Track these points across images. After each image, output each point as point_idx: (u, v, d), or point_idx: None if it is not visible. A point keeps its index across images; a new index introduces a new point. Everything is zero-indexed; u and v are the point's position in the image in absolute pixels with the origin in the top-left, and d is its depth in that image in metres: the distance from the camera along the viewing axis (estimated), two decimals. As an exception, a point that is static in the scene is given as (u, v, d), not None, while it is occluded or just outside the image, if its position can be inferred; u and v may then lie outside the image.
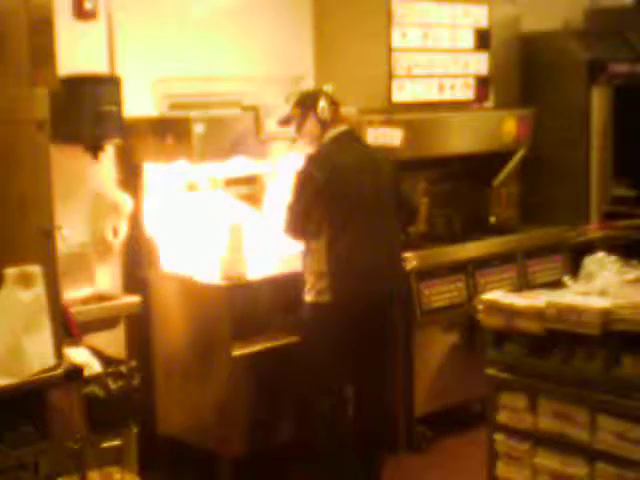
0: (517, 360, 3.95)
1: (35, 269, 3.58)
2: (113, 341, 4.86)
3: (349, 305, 4.52)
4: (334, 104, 4.73)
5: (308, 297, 4.57)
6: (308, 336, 4.65)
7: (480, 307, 4.06)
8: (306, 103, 4.72)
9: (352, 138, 4.76)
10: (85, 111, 4.67)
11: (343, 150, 4.65)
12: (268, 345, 4.79)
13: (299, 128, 4.75)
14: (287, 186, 4.77)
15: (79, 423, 3.63)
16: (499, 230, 6.09)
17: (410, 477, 5.15)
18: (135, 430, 3.97)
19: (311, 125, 4.69)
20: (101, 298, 4.83)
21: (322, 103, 4.67)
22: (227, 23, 5.54)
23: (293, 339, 4.81)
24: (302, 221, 4.56)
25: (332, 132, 4.67)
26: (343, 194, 4.53)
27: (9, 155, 3.75)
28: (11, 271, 3.52)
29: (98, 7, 4.95)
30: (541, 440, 3.87)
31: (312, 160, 4.59)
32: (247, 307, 4.75)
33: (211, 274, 4.81)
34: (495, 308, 3.99)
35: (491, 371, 4.02)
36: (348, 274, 4.51)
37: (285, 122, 4.84)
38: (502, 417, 3.99)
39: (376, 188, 4.63)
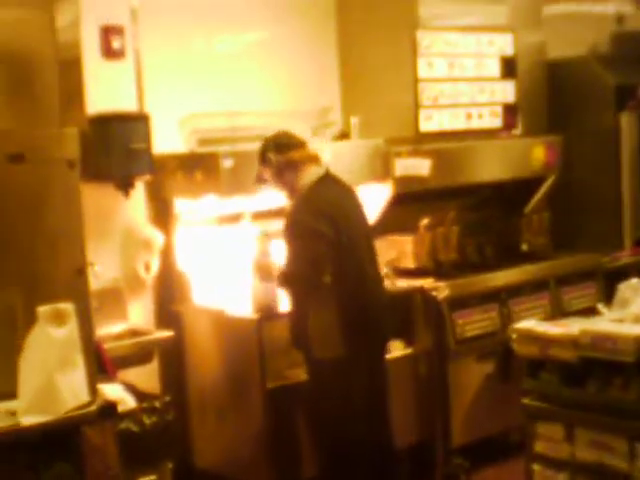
0: (552, 389, 3.89)
1: (68, 306, 3.58)
2: (147, 376, 4.87)
3: (367, 346, 4.48)
4: (297, 145, 4.54)
5: (318, 353, 4.41)
6: (326, 394, 4.46)
7: (514, 336, 4.02)
8: (276, 149, 4.51)
9: (329, 177, 4.54)
10: (115, 149, 4.71)
11: (330, 192, 4.49)
12: (302, 378, 4.75)
13: (274, 176, 4.53)
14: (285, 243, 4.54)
15: (114, 459, 3.62)
16: (531, 257, 6.04)
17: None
18: (170, 465, 3.95)
19: (285, 172, 4.48)
20: (134, 333, 4.85)
21: (269, 154, 4.50)
22: (252, 57, 5.60)
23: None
24: (314, 275, 4.36)
25: (309, 175, 4.47)
26: (346, 238, 4.44)
27: (41, 194, 3.78)
28: (44, 309, 3.53)
29: (126, 46, 5.00)
30: (579, 470, 3.81)
31: (308, 211, 4.39)
32: (280, 340, 4.73)
33: (243, 307, 4.81)
34: (529, 337, 3.94)
35: (527, 401, 3.97)
36: (359, 313, 4.43)
37: (261, 181, 4.61)
38: (539, 447, 3.93)
39: (362, 220, 4.63)
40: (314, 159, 4.54)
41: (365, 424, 4.52)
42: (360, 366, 4.46)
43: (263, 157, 4.54)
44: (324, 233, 4.34)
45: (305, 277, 4.40)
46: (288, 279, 4.48)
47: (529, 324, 4.05)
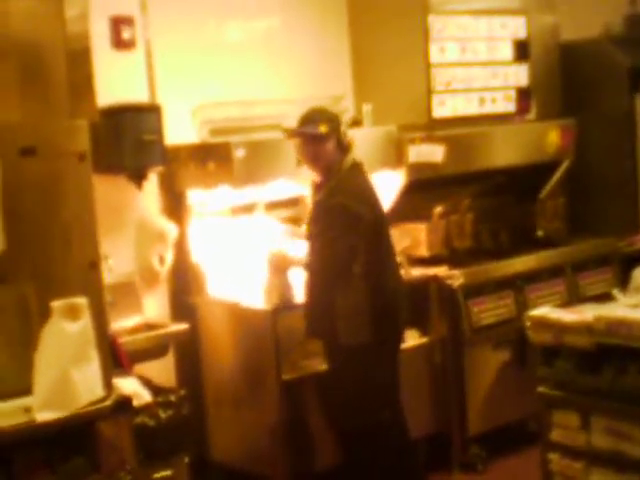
0: (568, 377, 3.87)
1: (81, 301, 3.58)
2: (163, 369, 4.88)
3: (392, 332, 4.48)
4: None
5: (344, 339, 4.37)
6: (348, 382, 4.43)
7: (528, 324, 3.99)
8: (333, 123, 4.42)
9: (359, 163, 4.53)
10: (127, 140, 4.69)
11: (362, 178, 4.49)
12: (318, 369, 4.73)
13: (317, 149, 4.40)
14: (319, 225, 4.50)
15: (130, 454, 3.63)
16: (547, 243, 6.00)
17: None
18: (187, 459, 3.95)
19: (331, 148, 4.39)
20: (150, 327, 4.84)
21: (344, 125, 4.49)
22: (264, 46, 5.57)
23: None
24: (350, 261, 4.33)
25: (349, 159, 4.44)
26: (379, 223, 4.47)
27: (53, 188, 3.76)
28: (58, 304, 3.53)
29: (136, 36, 4.99)
30: (596, 458, 3.79)
31: (349, 195, 4.36)
32: (295, 331, 4.72)
33: (258, 298, 4.80)
34: (543, 324, 3.92)
35: (542, 389, 3.95)
36: (386, 300, 4.43)
37: (306, 137, 4.43)
38: (555, 435, 3.91)
39: (383, 209, 4.63)
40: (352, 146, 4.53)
41: (388, 410, 4.52)
42: (385, 353, 4.45)
43: (324, 132, 4.36)
44: (363, 217, 4.33)
45: (340, 262, 4.35)
46: (321, 264, 4.41)
47: (543, 311, 4.03)
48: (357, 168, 4.47)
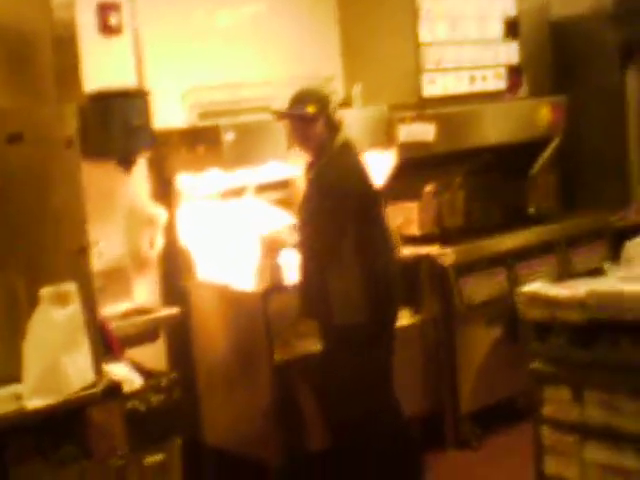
0: (561, 352, 3.86)
1: (70, 287, 3.56)
2: (155, 354, 4.87)
3: (386, 312, 4.47)
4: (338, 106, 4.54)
5: (339, 319, 4.36)
6: (343, 364, 4.40)
7: (520, 300, 3.99)
8: (321, 103, 4.39)
9: (350, 142, 4.51)
10: (115, 125, 4.67)
11: (353, 156, 4.48)
12: (310, 350, 4.74)
13: (306, 130, 4.38)
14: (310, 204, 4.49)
15: (121, 440, 3.62)
16: (538, 220, 6.01)
17: (460, 474, 5.10)
18: (179, 443, 3.95)
19: (320, 128, 4.37)
20: (140, 311, 4.83)
21: (332, 105, 4.46)
22: (252, 28, 5.54)
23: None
24: (339, 239, 4.33)
25: (340, 138, 4.42)
26: (371, 201, 4.47)
27: (41, 174, 3.73)
28: (46, 290, 3.51)
29: (123, 22, 4.97)
30: (589, 432, 3.79)
31: (339, 172, 4.37)
32: (286, 312, 4.72)
33: (248, 281, 4.80)
34: (535, 300, 3.91)
35: (535, 365, 3.94)
36: (379, 279, 4.41)
37: (295, 118, 4.41)
38: (547, 410, 3.91)
39: (375, 187, 4.62)
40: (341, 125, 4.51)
41: (382, 394, 4.51)
42: (380, 332, 4.44)
43: (313, 112, 4.35)
44: (351, 194, 4.33)
45: (330, 240, 4.34)
46: (312, 243, 4.40)
47: (535, 287, 4.01)
48: (348, 147, 4.46)
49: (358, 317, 4.34)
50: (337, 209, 4.31)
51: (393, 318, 4.58)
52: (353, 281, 4.34)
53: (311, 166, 4.51)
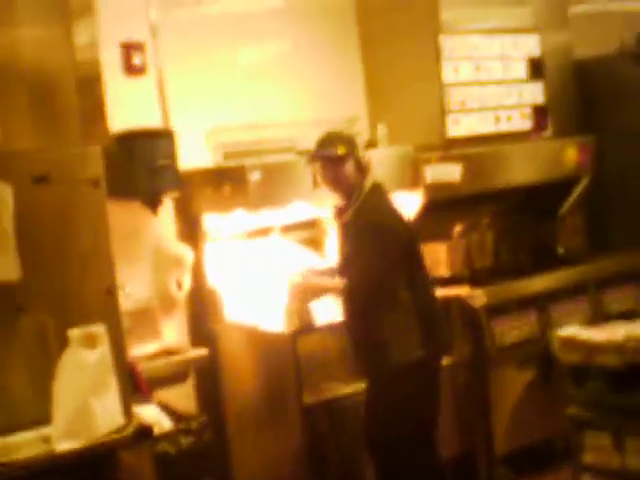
0: (599, 397, 3.79)
1: (99, 328, 3.52)
2: (183, 395, 4.81)
3: (438, 345, 4.38)
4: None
5: (395, 358, 4.23)
6: (403, 405, 4.24)
7: (556, 344, 3.91)
8: (350, 144, 4.38)
9: (380, 184, 4.46)
10: (141, 166, 4.63)
11: (386, 197, 4.44)
12: (340, 392, 4.68)
13: (336, 171, 4.33)
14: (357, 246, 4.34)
15: (152, 483, 3.56)
16: (568, 261, 5.93)
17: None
18: (210, 487, 3.87)
19: (350, 170, 4.32)
20: (169, 353, 4.77)
21: (360, 148, 4.46)
22: (276, 69, 5.53)
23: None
24: (393, 275, 4.25)
25: (370, 179, 4.37)
26: (413, 238, 4.42)
27: (67, 215, 3.72)
28: (75, 332, 3.47)
29: (147, 62, 4.96)
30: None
31: (378, 212, 4.32)
32: (316, 354, 4.64)
33: (276, 322, 4.73)
34: (572, 344, 3.85)
35: (573, 410, 3.86)
36: (432, 314, 4.35)
37: (325, 160, 4.35)
38: (588, 457, 3.82)
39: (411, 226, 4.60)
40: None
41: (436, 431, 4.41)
42: (435, 369, 4.37)
43: (343, 153, 4.32)
44: (396, 231, 4.31)
45: (384, 278, 4.25)
46: (363, 284, 4.26)
47: (571, 331, 3.96)
48: (379, 187, 4.42)
49: (415, 353, 4.24)
50: (388, 245, 4.23)
51: (441, 356, 4.47)
52: (408, 317, 4.26)
53: (343, 209, 4.44)
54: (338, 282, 4.40)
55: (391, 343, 4.24)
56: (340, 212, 4.47)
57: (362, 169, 4.38)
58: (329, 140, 4.40)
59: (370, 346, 4.32)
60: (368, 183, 4.37)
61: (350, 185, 4.35)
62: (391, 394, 4.29)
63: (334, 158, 4.32)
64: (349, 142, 4.40)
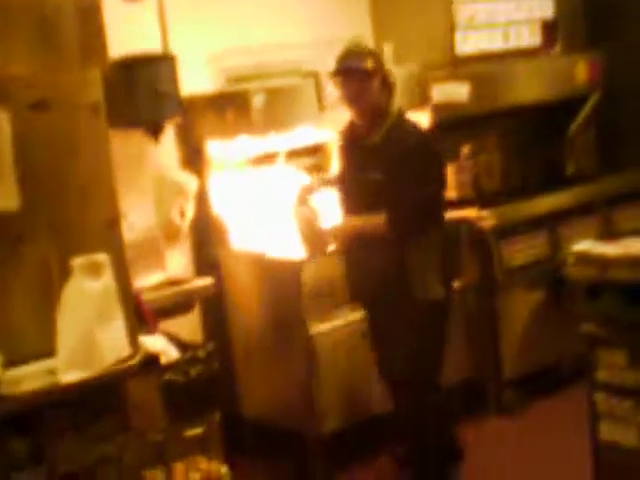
0: (614, 312, 3.70)
1: (103, 257, 3.46)
2: (189, 325, 4.79)
3: (450, 291, 4.21)
4: None
5: (420, 294, 4.00)
6: (421, 337, 4.08)
7: (571, 260, 3.83)
8: (378, 59, 4.01)
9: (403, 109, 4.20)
10: (141, 92, 4.54)
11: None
12: (348, 319, 4.63)
13: (362, 87, 3.96)
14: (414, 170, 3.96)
15: (160, 413, 3.53)
16: (577, 180, 5.86)
17: (503, 441, 4.95)
18: (218, 416, 3.84)
19: (377, 86, 3.98)
20: (173, 283, 4.71)
21: (378, 64, 4.03)
22: (278, -12, 5.39)
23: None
24: (441, 205, 4.02)
25: (397, 102, 4.07)
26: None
27: (67, 141, 3.62)
28: (78, 261, 3.41)
29: (146, -15, 4.83)
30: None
31: (424, 134, 4.08)
32: (324, 280, 4.58)
33: (283, 249, 4.67)
34: (587, 259, 3.76)
35: (586, 327, 3.79)
36: (449, 255, 4.19)
37: (353, 73, 3.95)
38: (601, 375, 3.76)
39: None
40: None
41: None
42: (450, 308, 4.23)
43: (372, 67, 3.96)
44: (440, 155, 4.08)
45: (436, 207, 4.02)
46: (416, 213, 3.94)
47: (586, 246, 3.86)
48: (401, 108, 4.16)
49: (437, 293, 4.05)
50: (442, 169, 4.01)
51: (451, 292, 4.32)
52: (433, 255, 4.03)
53: (366, 130, 4.10)
54: (375, 219, 4.02)
55: (414, 280, 4.00)
56: (363, 131, 4.13)
57: (389, 87, 4.06)
58: (356, 53, 4.06)
59: (392, 280, 4.04)
60: (395, 103, 4.08)
61: (375, 104, 4.02)
62: (415, 326, 4.08)
63: (362, 71, 3.97)
64: (377, 57, 4.07)
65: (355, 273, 4.26)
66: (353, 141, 4.19)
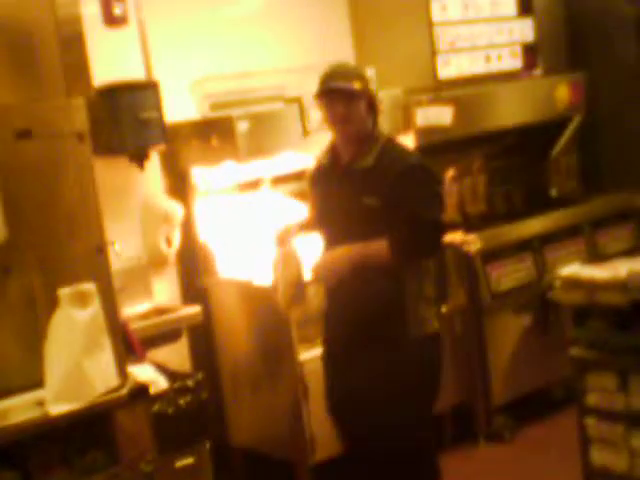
0: (603, 336, 3.71)
1: (90, 287, 3.43)
2: (177, 354, 4.74)
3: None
4: None
5: (415, 330, 3.62)
6: (417, 377, 3.66)
7: (557, 284, 3.83)
8: (365, 80, 3.72)
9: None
10: (125, 120, 4.52)
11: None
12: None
13: (349, 108, 3.66)
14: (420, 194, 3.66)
15: (149, 443, 3.48)
16: (562, 202, 5.86)
17: (493, 469, 4.90)
18: (208, 445, 3.81)
19: (363, 109, 3.70)
20: (161, 311, 4.68)
21: (365, 84, 3.74)
22: (260, 15, 5.41)
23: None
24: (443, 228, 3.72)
25: (381, 126, 3.82)
26: None
27: (52, 171, 3.61)
28: (65, 291, 3.38)
29: (128, 12, 4.82)
30: (636, 420, 3.64)
31: (418, 156, 3.83)
32: (311, 307, 4.52)
33: (269, 276, 4.64)
34: (574, 283, 3.76)
35: (576, 351, 3.78)
36: (441, 282, 4.19)
37: (339, 94, 3.65)
38: (591, 399, 3.76)
39: None
40: None
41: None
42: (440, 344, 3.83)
43: (359, 88, 3.68)
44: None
45: (442, 229, 3.71)
46: (429, 238, 3.64)
47: (573, 269, 3.86)
48: (393, 136, 3.99)
49: (432, 326, 3.70)
50: (442, 192, 3.74)
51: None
52: (428, 283, 3.72)
53: (355, 153, 3.76)
54: (377, 245, 3.64)
55: (410, 315, 3.65)
56: (347, 158, 3.80)
57: (374, 109, 3.80)
58: (342, 73, 3.73)
59: (385, 314, 3.68)
60: (382, 128, 3.86)
61: (362, 126, 3.74)
62: (410, 365, 3.67)
63: (349, 92, 3.67)
64: (363, 77, 3.79)
65: (340, 309, 3.82)
66: (337, 167, 3.87)
